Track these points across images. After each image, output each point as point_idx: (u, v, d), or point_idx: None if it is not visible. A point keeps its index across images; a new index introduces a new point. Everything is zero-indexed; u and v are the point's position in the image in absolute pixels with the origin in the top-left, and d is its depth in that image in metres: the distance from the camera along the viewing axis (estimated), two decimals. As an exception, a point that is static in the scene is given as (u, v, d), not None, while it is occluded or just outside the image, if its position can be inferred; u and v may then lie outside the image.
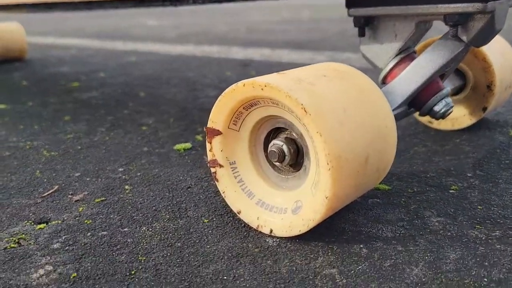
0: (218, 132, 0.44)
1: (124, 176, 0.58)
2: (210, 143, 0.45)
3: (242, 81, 0.40)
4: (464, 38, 0.51)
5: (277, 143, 0.42)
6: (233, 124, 0.44)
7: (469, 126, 0.69)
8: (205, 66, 1.45)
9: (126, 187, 0.55)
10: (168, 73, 1.35)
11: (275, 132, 0.44)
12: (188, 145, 0.69)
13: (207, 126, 0.44)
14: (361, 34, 0.56)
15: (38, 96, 1.09)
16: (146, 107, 0.94)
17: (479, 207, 0.46)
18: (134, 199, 0.51)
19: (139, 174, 0.59)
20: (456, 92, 0.69)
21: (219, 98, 0.42)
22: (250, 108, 0.42)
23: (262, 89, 0.39)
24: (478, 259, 0.37)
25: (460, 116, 0.69)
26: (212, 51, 1.80)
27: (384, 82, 0.57)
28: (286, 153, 0.42)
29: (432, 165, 0.57)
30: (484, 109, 0.67)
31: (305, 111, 0.37)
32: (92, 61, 1.65)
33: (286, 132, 0.43)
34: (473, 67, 0.67)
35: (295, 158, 0.42)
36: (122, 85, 1.19)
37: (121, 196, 0.52)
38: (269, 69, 1.33)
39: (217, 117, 0.43)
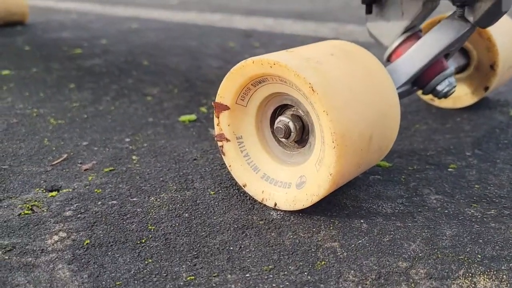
0: (226, 107, 0.45)
1: (131, 147, 0.59)
2: (218, 117, 0.46)
3: (252, 58, 0.41)
4: (471, 18, 0.51)
5: (284, 119, 0.43)
6: (241, 99, 0.45)
7: (470, 105, 0.70)
8: (207, 35, 1.44)
9: (134, 157, 0.56)
10: (170, 41, 1.35)
11: (281, 109, 0.45)
12: (193, 116, 0.70)
13: (215, 101, 0.45)
14: (369, 11, 0.56)
15: (41, 61, 1.09)
16: (150, 77, 0.95)
17: (476, 186, 0.48)
18: (141, 170, 0.53)
19: (145, 144, 0.60)
20: (459, 70, 0.70)
21: (227, 74, 0.43)
22: (258, 85, 0.43)
23: (271, 67, 0.40)
24: (473, 237, 0.39)
25: (462, 95, 0.70)
26: (214, 19, 1.78)
27: (389, 60, 0.58)
28: (292, 129, 0.43)
29: (432, 143, 0.59)
30: (486, 88, 0.68)
31: (312, 90, 0.37)
32: (93, 27, 1.64)
33: (293, 109, 0.44)
34: (478, 46, 0.67)
35: (301, 135, 0.44)
36: (124, 52, 1.19)
37: (129, 166, 0.54)
38: (272, 40, 1.32)
39: (226, 93, 0.44)
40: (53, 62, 1.09)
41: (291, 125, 0.43)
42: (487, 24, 0.52)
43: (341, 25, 1.59)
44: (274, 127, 0.44)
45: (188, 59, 1.10)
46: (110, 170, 0.53)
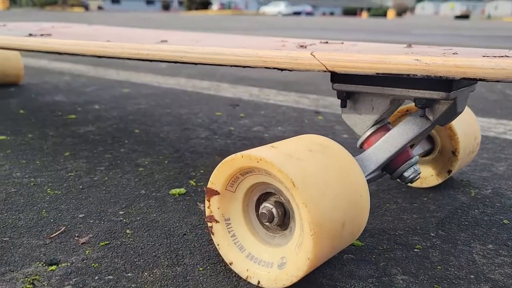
0: (216, 193, 0.51)
1: (124, 220, 0.64)
2: (209, 201, 0.51)
3: (241, 152, 0.47)
4: (431, 117, 0.59)
5: (268, 205, 0.49)
6: (230, 186, 0.50)
7: (436, 185, 0.77)
8: (196, 103, 1.52)
9: (128, 231, 0.61)
10: (161, 109, 1.42)
11: (266, 195, 0.51)
12: (182, 190, 0.75)
13: (207, 186, 0.51)
14: (343, 105, 0.64)
15: (37, 127, 1.14)
16: (142, 146, 1.00)
17: (439, 267, 0.54)
18: (135, 244, 0.57)
19: (138, 218, 0.64)
20: (426, 154, 0.77)
21: (219, 165, 0.49)
22: (246, 175, 0.49)
23: (257, 161, 0.46)
24: (433, 316, 0.44)
25: (428, 176, 0.77)
26: (203, 86, 1.87)
27: (361, 147, 0.65)
28: (275, 215, 0.48)
29: (401, 223, 0.65)
30: (449, 171, 0.75)
31: (293, 184, 0.43)
32: (86, 91, 1.71)
33: (276, 196, 0.50)
34: (441, 134, 0.75)
35: (283, 220, 0.49)
36: (116, 119, 1.25)
37: (123, 240, 0.58)
38: (256, 110, 1.41)
39: (216, 180, 0.50)
40: (48, 128, 1.14)
41: (274, 211, 0.48)
42: (445, 123, 0.60)
43: (321, 96, 1.69)
44: (259, 212, 0.49)
45: (177, 129, 1.17)
46: (106, 244, 0.57)
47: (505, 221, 0.66)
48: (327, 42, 0.81)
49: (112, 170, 0.84)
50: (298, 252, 0.46)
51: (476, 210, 0.69)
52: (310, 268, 0.45)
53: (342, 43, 0.80)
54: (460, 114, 0.77)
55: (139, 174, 0.83)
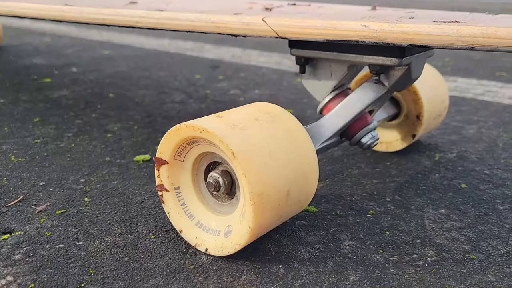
0: (165, 162, 0.51)
1: (85, 188, 0.64)
2: (158, 170, 0.51)
3: (185, 122, 0.47)
4: (386, 83, 0.58)
5: (214, 175, 0.49)
6: (178, 155, 0.50)
7: (401, 149, 0.77)
8: (176, 65, 1.50)
9: (86, 199, 0.61)
10: (140, 71, 1.40)
11: (214, 164, 0.51)
12: (146, 156, 0.75)
13: (156, 156, 0.51)
14: (302, 71, 0.63)
15: (10, 92, 1.13)
16: (114, 111, 1.00)
17: (387, 232, 0.54)
18: (91, 212, 0.58)
19: (98, 186, 0.65)
20: (392, 118, 0.77)
21: (166, 134, 0.49)
22: (192, 144, 0.49)
23: (200, 132, 0.46)
24: (372, 282, 0.46)
25: (393, 140, 0.77)
26: (186, 47, 1.84)
27: (321, 113, 0.64)
28: (221, 184, 0.49)
29: (360, 188, 0.65)
30: (413, 136, 0.75)
31: (233, 155, 0.43)
32: (66, 53, 1.68)
33: (223, 166, 0.50)
34: (406, 98, 0.74)
35: (230, 188, 0.49)
36: (93, 83, 1.24)
37: (80, 208, 0.59)
38: (236, 72, 1.39)
39: (164, 149, 0.50)
40: (22, 92, 1.13)
41: (220, 180, 0.49)
42: (401, 88, 0.60)
43: (305, 57, 1.66)
44: (206, 181, 0.50)
45: (153, 92, 1.16)
46: (62, 213, 0.57)
47: (463, 185, 0.66)
48: (294, 4, 0.79)
49: (80, 137, 0.84)
50: (242, 221, 0.46)
51: (437, 175, 0.70)
52: (252, 237, 0.46)
53: (309, 5, 0.78)
54: (427, 78, 0.76)
55: (106, 140, 0.82)
